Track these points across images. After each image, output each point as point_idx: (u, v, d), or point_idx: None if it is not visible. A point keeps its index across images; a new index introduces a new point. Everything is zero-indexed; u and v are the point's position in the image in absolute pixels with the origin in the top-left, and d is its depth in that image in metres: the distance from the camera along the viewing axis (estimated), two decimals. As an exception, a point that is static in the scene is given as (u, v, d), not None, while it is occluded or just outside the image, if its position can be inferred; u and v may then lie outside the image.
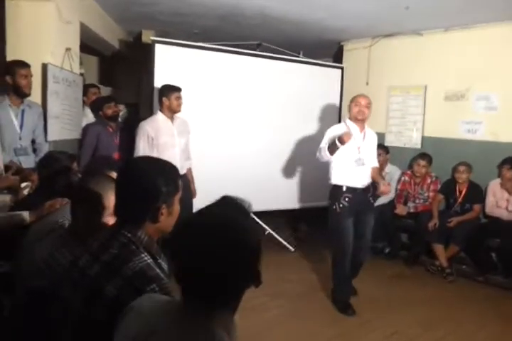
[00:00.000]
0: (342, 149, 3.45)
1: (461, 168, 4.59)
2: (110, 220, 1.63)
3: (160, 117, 3.85)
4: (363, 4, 4.19)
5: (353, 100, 3.60)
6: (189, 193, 3.99)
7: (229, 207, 1.10)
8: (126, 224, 1.38)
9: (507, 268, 4.26)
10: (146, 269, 1.29)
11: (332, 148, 3.42)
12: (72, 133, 4.09)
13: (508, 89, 4.59)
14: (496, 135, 4.68)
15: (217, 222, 1.05)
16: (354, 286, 3.87)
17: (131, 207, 1.38)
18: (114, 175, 2.10)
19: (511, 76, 4.56)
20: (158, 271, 1.31)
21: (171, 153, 3.79)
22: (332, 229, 3.61)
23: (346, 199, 3.46)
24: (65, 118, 3.89)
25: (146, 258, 1.32)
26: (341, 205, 3.47)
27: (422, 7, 4.18)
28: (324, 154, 3.47)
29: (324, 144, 3.52)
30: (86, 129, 4.28)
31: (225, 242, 1.01)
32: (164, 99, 3.83)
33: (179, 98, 3.85)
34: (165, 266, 1.41)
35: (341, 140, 3.35)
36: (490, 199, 4.53)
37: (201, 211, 1.10)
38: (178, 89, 3.84)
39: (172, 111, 3.86)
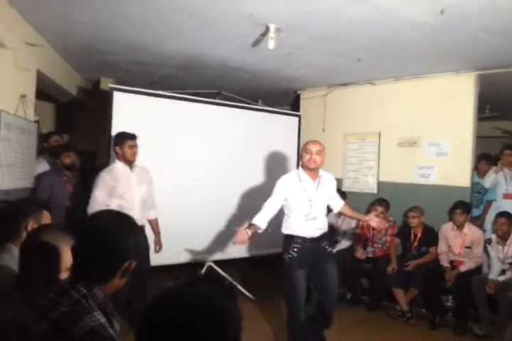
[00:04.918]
0: (293, 202, 3.36)
1: (411, 213, 4.67)
2: (65, 275, 1.54)
3: (118, 165, 3.61)
4: (318, 56, 4.39)
5: (303, 147, 3.40)
6: (146, 246, 3.71)
7: (211, 288, 1.01)
8: (84, 280, 1.30)
9: (458, 311, 4.29)
10: (98, 329, 1.21)
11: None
12: (25, 181, 3.94)
13: (457, 135, 4.84)
14: (447, 179, 4.87)
15: (201, 307, 0.94)
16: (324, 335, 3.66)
17: (99, 267, 1.32)
18: (46, 215, 2.06)
19: (458, 123, 4.83)
20: (111, 331, 1.24)
21: (130, 203, 3.58)
22: (284, 280, 3.45)
23: (295, 249, 3.30)
24: (17, 166, 3.76)
25: (99, 317, 1.24)
26: (290, 255, 3.31)
27: (373, 59, 4.43)
28: None
29: (271, 199, 3.40)
30: (39, 178, 4.14)
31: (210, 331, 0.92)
32: (117, 148, 3.57)
33: (133, 147, 3.56)
34: (117, 326, 1.34)
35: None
36: (440, 245, 4.60)
37: (180, 290, 0.97)
38: (132, 137, 3.57)
39: (126, 161, 3.59)
